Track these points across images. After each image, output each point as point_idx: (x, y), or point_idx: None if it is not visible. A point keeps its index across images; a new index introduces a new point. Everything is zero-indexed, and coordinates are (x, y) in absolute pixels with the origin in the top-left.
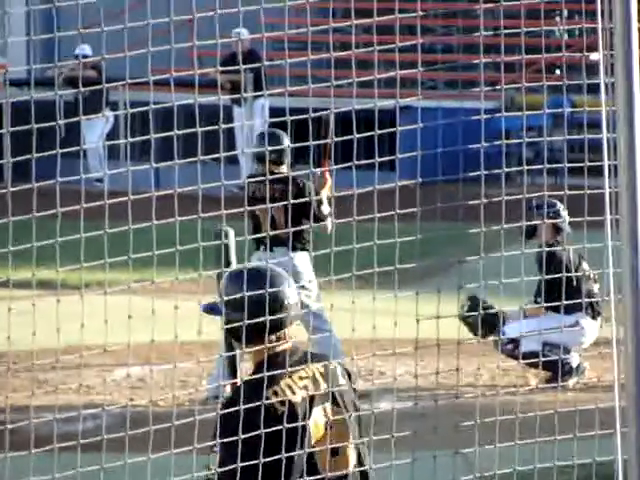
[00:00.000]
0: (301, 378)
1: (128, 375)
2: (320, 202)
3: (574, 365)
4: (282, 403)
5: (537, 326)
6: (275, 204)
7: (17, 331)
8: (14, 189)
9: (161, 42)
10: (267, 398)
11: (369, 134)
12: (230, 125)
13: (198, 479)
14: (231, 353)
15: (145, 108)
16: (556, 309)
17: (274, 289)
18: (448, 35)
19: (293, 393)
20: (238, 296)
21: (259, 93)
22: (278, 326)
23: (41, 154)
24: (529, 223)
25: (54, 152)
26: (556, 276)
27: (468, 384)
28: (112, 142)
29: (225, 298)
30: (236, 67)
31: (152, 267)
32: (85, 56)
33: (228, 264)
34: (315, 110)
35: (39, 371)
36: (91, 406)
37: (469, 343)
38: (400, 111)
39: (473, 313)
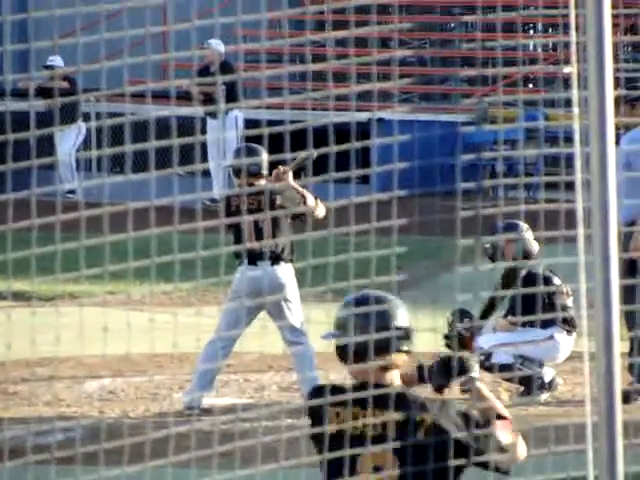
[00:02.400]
0: (365, 416)
1: (99, 387)
2: (303, 197)
3: (547, 380)
4: (337, 423)
5: (511, 339)
6: (260, 215)
7: None
8: None
9: (132, 53)
10: (324, 411)
11: (343, 147)
12: (201, 138)
13: None
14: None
15: (120, 120)
16: (530, 324)
17: (382, 311)
18: (422, 48)
19: (345, 421)
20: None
21: (232, 105)
22: (382, 349)
23: (14, 165)
24: (487, 243)
25: (28, 163)
26: (527, 291)
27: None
28: (85, 153)
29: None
30: (209, 79)
31: (125, 279)
32: (55, 67)
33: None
34: (290, 122)
35: (10, 383)
36: (62, 418)
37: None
38: (373, 124)
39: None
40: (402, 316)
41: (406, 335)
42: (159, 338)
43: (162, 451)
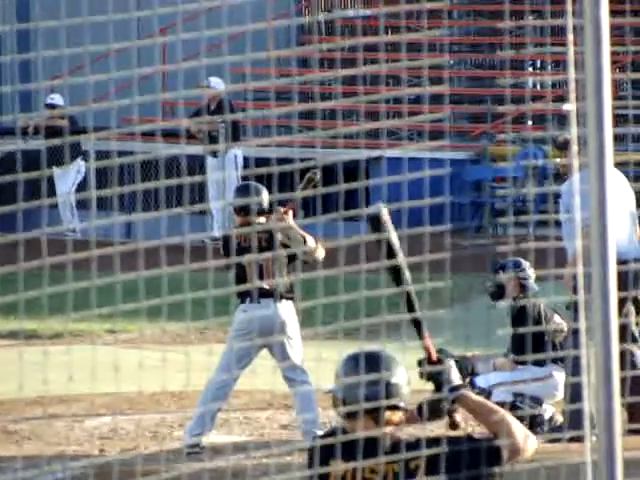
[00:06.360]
0: (372, 472)
1: (99, 425)
2: (304, 238)
3: (546, 417)
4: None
5: (509, 378)
6: (261, 253)
7: None
8: None
9: (133, 92)
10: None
11: (342, 187)
12: (205, 177)
13: None
14: None
15: (129, 159)
16: (531, 362)
17: (383, 372)
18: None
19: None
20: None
21: (233, 144)
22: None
23: (10, 206)
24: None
25: (28, 204)
26: (526, 330)
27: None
28: (88, 192)
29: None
30: (212, 117)
31: (124, 318)
32: (55, 105)
33: (392, 254)
34: (287, 161)
35: (9, 422)
36: (64, 457)
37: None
38: (371, 161)
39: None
40: (399, 373)
41: (401, 392)
42: (157, 377)
43: None
